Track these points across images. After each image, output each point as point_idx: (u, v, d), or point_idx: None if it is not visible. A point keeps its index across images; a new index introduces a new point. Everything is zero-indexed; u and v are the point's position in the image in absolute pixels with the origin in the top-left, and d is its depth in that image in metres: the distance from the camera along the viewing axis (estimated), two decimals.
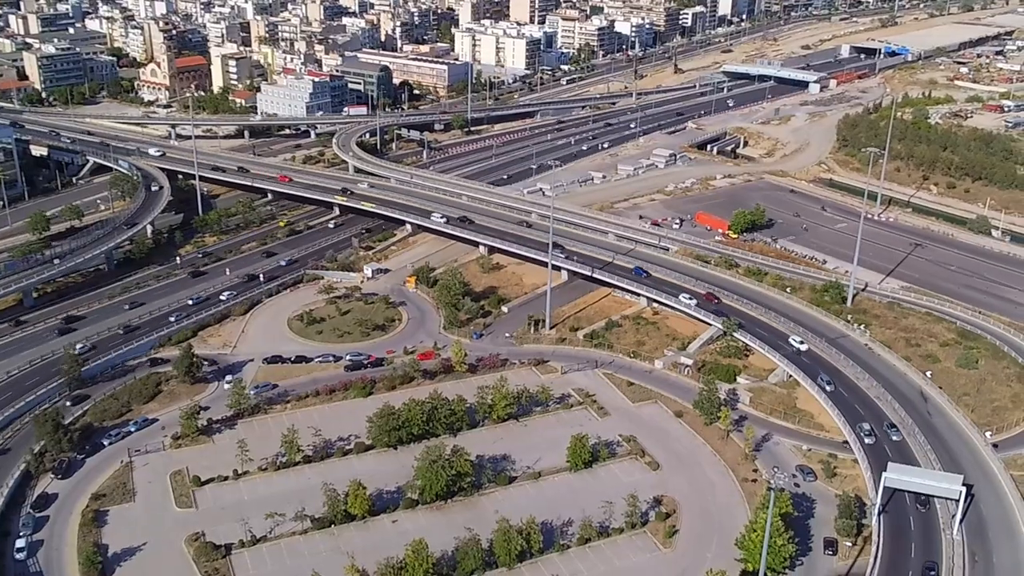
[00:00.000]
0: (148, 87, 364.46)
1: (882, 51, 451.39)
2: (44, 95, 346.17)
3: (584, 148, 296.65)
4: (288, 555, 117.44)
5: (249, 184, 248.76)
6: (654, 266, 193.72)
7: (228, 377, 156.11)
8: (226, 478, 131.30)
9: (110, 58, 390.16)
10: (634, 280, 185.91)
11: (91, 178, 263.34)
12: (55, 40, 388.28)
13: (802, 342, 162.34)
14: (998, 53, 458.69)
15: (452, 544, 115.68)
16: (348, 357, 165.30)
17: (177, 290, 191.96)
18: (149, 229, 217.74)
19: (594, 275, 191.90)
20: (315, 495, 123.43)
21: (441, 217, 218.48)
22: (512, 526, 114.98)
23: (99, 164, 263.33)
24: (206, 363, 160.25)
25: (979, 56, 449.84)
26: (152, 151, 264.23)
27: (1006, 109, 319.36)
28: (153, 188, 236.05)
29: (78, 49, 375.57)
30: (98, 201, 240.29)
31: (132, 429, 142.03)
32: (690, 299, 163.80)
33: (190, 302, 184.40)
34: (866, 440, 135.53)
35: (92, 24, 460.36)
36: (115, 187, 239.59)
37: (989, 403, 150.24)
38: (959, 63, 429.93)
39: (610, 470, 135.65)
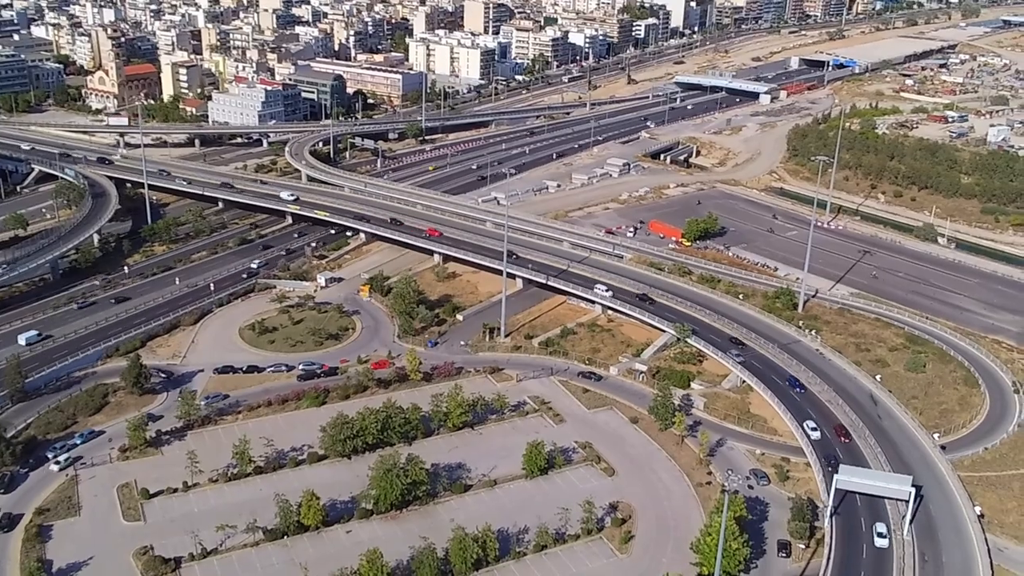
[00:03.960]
0: (96, 95, 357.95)
1: (830, 63, 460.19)
2: None
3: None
4: (240, 568, 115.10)
5: (199, 192, 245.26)
6: (610, 274, 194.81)
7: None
8: (175, 490, 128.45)
9: (57, 65, 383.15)
10: (787, 391, 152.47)
11: (36, 187, 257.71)
12: None
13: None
14: (942, 66, 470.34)
15: (407, 553, 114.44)
16: (301, 366, 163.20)
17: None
18: (96, 238, 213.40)
19: (549, 283, 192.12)
20: (267, 506, 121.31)
21: (607, 290, 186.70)
22: (468, 534, 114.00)
23: (44, 172, 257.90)
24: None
25: (924, 69, 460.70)
26: (285, 195, 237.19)
27: (950, 120, 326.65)
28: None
29: (23, 56, 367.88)
30: (43, 210, 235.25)
31: (77, 441, 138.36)
32: (814, 429, 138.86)
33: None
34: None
35: (38, 31, 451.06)
36: (60, 196, 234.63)
37: (937, 406, 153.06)
38: (905, 75, 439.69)
39: (566, 477, 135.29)
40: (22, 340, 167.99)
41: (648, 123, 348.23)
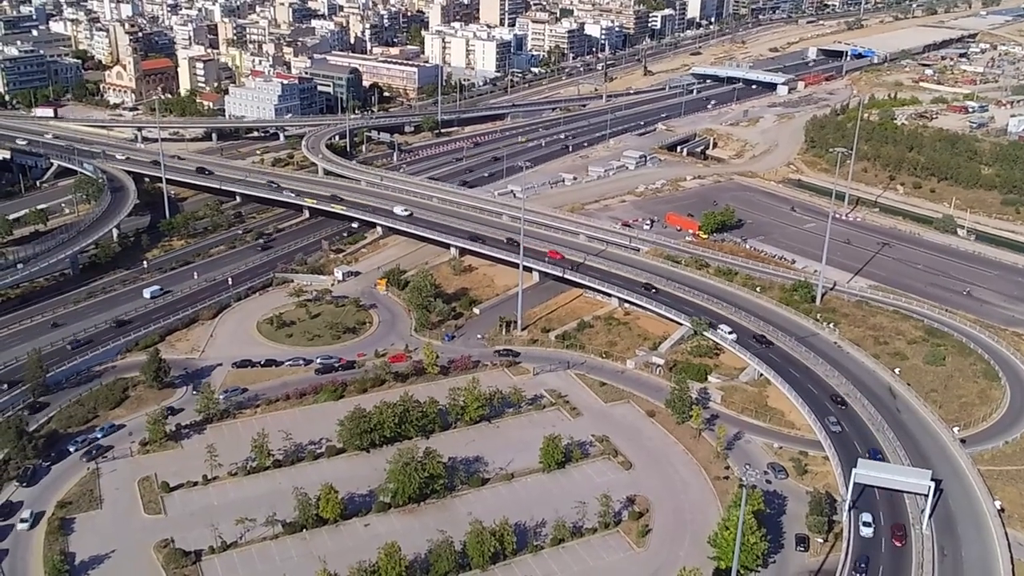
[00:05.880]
0: (114, 90, 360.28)
1: (848, 53, 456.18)
2: (7, 98, 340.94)
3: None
4: (259, 560, 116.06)
5: (216, 187, 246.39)
6: (625, 266, 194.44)
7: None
8: (195, 484, 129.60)
9: (75, 61, 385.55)
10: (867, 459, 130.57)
11: (55, 181, 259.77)
12: (18, 42, 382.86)
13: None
14: (962, 55, 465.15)
15: (425, 547, 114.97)
16: (318, 360, 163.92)
17: None
18: (115, 233, 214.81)
19: (565, 276, 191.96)
20: (286, 499, 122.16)
21: (730, 332, 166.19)
22: (485, 528, 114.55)
23: (63, 167, 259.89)
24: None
25: (943, 58, 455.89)
26: (398, 210, 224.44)
27: (970, 110, 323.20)
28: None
29: (42, 51, 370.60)
30: (63, 205, 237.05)
31: (98, 435, 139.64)
32: (868, 524, 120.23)
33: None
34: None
35: (56, 26, 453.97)
36: (79, 190, 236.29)
37: (956, 399, 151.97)
38: (924, 65, 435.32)
39: (583, 470, 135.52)
40: (147, 294, 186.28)
41: (709, 104, 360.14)
